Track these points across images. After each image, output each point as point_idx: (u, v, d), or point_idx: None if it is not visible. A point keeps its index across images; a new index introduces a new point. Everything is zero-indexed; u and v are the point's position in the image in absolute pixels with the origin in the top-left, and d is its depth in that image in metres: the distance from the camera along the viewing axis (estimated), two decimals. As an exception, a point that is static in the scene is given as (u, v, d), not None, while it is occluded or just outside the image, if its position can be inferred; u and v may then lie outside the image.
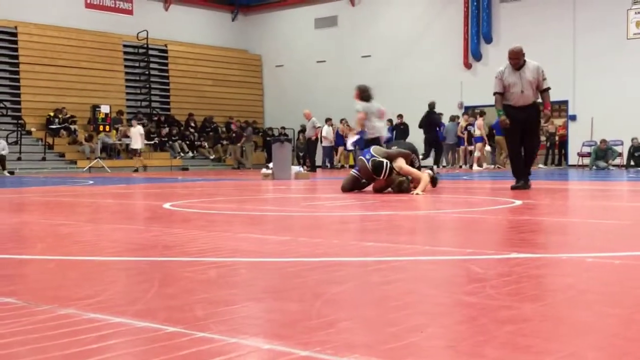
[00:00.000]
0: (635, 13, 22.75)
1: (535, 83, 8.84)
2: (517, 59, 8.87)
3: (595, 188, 10.23)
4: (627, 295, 2.40)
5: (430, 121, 20.08)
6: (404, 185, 8.34)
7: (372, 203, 7.17)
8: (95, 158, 23.03)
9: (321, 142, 25.40)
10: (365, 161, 8.56)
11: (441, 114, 21.92)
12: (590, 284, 2.63)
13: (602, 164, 20.74)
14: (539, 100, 9.02)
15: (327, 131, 25.30)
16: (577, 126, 23.48)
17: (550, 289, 2.47)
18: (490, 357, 1.63)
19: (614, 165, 21.27)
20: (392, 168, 8.33)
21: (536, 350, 1.68)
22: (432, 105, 20.27)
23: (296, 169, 15.48)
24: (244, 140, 26.44)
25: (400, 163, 8.46)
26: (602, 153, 21.12)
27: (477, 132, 22.26)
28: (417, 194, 7.98)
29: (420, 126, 20.36)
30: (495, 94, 8.99)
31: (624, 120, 22.15)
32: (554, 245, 3.79)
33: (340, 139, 25.85)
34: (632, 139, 21.40)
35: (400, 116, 24.61)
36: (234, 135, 26.81)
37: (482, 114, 22.39)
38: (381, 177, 8.37)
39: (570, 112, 23.52)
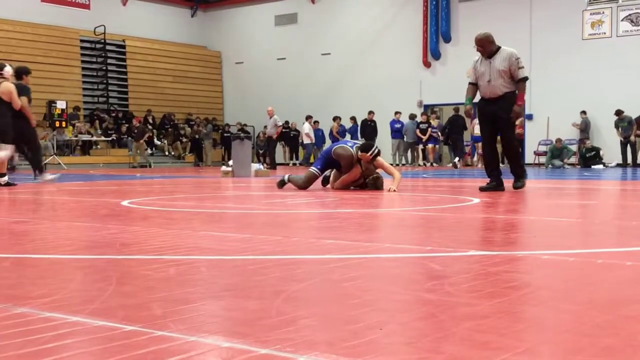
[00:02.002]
0: (591, 14, 23.17)
1: (508, 72, 8.03)
2: (481, 47, 8.21)
3: (550, 186, 10.40)
4: (581, 292, 2.44)
5: (457, 124, 22.47)
6: (379, 182, 8.56)
7: (333, 201, 7.19)
8: (51, 155, 22.66)
9: (295, 139, 25.46)
10: (350, 147, 8.68)
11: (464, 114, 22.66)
12: (546, 281, 2.67)
13: (557, 162, 21.09)
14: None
15: (309, 129, 25.06)
16: (534, 125, 23.84)
17: (508, 286, 2.50)
18: (449, 353, 1.64)
19: (569, 164, 21.65)
20: (377, 154, 8.57)
21: (494, 346, 1.70)
22: (456, 109, 22.55)
23: (256, 166, 15.44)
24: (147, 137, 25.12)
25: (381, 160, 8.71)
26: (558, 152, 21.47)
27: (477, 132, 22.74)
28: (393, 190, 8.11)
29: (445, 128, 22.95)
30: (469, 83, 8.44)
31: (578, 119, 22.56)
32: (511, 243, 3.84)
33: (319, 140, 25.78)
34: (585, 141, 21.78)
35: (371, 113, 24.59)
36: (135, 131, 25.18)
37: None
38: (368, 154, 8.50)
39: (527, 112, 23.85)
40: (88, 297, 2.34)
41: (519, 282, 2.59)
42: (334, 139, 23.96)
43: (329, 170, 9.10)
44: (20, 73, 11.31)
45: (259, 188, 10.35)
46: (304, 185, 8.86)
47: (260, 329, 1.88)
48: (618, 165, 21.38)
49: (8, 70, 10.69)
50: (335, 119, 25.63)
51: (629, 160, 21.28)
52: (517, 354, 1.63)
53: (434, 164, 23.93)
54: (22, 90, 10.85)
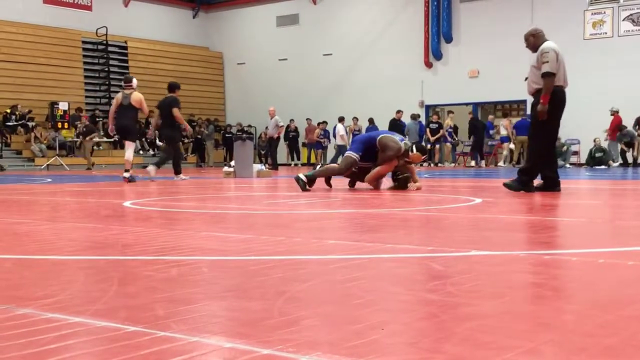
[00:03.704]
0: (592, 14, 23.17)
1: (537, 68, 7.70)
2: (525, 41, 8.01)
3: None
4: (583, 291, 2.44)
5: (476, 126, 23.52)
6: (409, 181, 8.67)
7: (334, 201, 7.19)
8: (54, 156, 22.68)
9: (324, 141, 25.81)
10: (399, 141, 8.58)
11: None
12: (547, 281, 2.67)
13: (559, 162, 21.12)
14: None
15: (343, 130, 24.74)
16: (536, 125, 23.86)
17: (509, 286, 2.50)
18: (451, 354, 1.64)
19: (571, 164, 21.68)
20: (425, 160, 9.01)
21: (496, 346, 1.70)
22: (474, 113, 23.96)
23: (258, 167, 15.43)
24: (94, 135, 24.01)
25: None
26: (559, 151, 21.50)
27: (504, 132, 22.99)
28: (417, 188, 8.50)
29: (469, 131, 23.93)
30: None
31: (580, 119, 22.55)
32: (512, 243, 3.84)
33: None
34: (594, 139, 21.82)
35: (399, 112, 24.29)
36: (84, 129, 23.87)
37: (505, 115, 23.76)
38: (423, 157, 8.78)
39: (529, 112, 23.86)
40: (90, 298, 2.34)
41: (521, 282, 2.59)
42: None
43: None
44: (173, 88, 13.41)
45: (261, 189, 10.35)
46: (344, 170, 8.54)
47: (262, 329, 1.88)
48: (620, 165, 21.41)
49: (135, 82, 12.87)
50: (353, 119, 25.59)
51: (629, 159, 21.40)
52: (519, 354, 1.63)
53: (439, 164, 23.93)
54: (175, 102, 13.04)
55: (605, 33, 23.00)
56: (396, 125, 23.89)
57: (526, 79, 7.91)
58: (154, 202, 7.26)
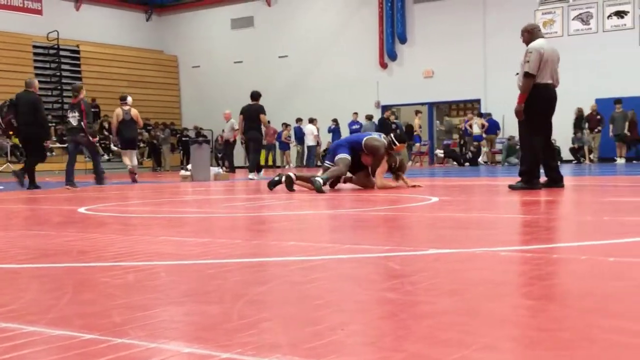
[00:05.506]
0: (543, 14, 23.57)
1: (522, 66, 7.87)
2: (521, 37, 8.13)
3: (506, 184, 10.51)
4: (538, 287, 2.48)
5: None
6: (406, 164, 9.35)
7: (292, 203, 7.19)
8: (5, 163, 22.22)
9: (298, 142, 25.91)
10: (380, 138, 9.05)
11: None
12: (504, 277, 2.70)
13: (513, 160, 21.39)
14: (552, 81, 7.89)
15: (317, 130, 25.00)
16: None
17: (467, 283, 2.53)
18: (410, 352, 1.66)
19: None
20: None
21: (453, 343, 1.72)
22: (429, 113, 23.79)
23: (215, 170, 15.35)
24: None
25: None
26: (513, 150, 21.81)
27: (477, 131, 23.11)
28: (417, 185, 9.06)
29: None
30: None
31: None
32: (469, 240, 3.88)
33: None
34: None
35: (388, 110, 24.08)
36: None
37: (480, 115, 23.75)
38: (405, 144, 9.33)
39: (483, 110, 24.16)
40: (45, 307, 2.30)
41: (478, 279, 2.62)
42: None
43: (280, 175, 9.08)
44: (257, 96, 14.61)
45: (219, 192, 10.29)
46: (344, 170, 8.84)
47: (221, 333, 1.87)
48: (569, 161, 21.89)
49: (130, 99, 14.53)
50: (312, 120, 25.65)
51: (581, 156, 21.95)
52: (476, 350, 1.65)
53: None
54: (263, 109, 14.40)
55: (556, 32, 23.40)
56: (386, 124, 23.80)
57: (517, 74, 8.09)
58: (110, 207, 7.16)
